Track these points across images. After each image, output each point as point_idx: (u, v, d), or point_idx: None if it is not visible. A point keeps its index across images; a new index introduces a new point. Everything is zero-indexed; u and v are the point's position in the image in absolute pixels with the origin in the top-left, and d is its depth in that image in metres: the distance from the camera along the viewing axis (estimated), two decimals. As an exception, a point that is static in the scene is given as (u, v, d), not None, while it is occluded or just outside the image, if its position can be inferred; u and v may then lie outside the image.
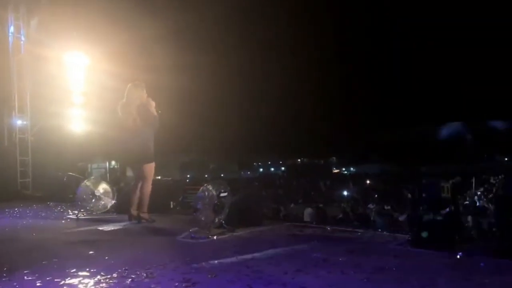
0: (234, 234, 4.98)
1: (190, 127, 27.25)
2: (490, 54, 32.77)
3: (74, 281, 3.19)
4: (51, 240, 4.74)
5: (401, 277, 3.20)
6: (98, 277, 3.26)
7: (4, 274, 3.33)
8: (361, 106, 40.18)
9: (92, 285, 3.10)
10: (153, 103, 5.96)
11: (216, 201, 5.01)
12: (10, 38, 10.66)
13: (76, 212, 6.69)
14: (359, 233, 5.06)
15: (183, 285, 3.06)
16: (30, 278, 3.25)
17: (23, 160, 10.64)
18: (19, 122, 10.76)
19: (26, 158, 10.72)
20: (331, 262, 3.66)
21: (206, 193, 5.05)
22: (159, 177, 7.97)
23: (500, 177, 4.89)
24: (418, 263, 3.65)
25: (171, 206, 7.29)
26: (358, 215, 9.78)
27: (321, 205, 11.40)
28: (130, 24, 12.41)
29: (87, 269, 3.44)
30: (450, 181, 4.22)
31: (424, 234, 4.02)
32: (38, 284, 3.12)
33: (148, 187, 5.94)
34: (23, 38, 10.76)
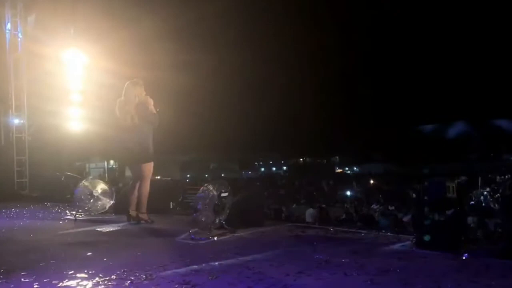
0: (235, 235, 4.95)
1: (190, 125, 27.21)
2: (498, 51, 32.58)
3: (72, 283, 3.16)
4: (49, 241, 4.70)
5: (405, 279, 3.17)
6: (97, 279, 3.23)
7: (1, 276, 3.29)
8: (364, 104, 40.07)
9: (91, 287, 3.06)
10: (151, 101, 5.90)
11: (216, 202, 4.98)
12: (7, 35, 10.55)
13: (74, 212, 6.62)
14: (362, 234, 5.06)
15: (183, 287, 3.03)
16: (27, 280, 3.22)
17: (20, 160, 10.53)
18: (16, 121, 10.64)
19: (23, 157, 10.61)
20: (334, 264, 3.63)
21: (207, 193, 5.01)
22: (158, 177, 7.90)
23: (506, 176, 4.83)
24: (423, 264, 3.62)
25: (171, 207, 7.23)
26: (362, 215, 9.76)
27: (323, 206, 11.37)
28: (129, 21, 12.35)
29: (85, 271, 3.40)
30: (456, 181, 4.18)
31: (426, 238, 3.97)
32: (35, 286, 3.09)
33: (147, 187, 5.89)
34: (20, 36, 10.65)
